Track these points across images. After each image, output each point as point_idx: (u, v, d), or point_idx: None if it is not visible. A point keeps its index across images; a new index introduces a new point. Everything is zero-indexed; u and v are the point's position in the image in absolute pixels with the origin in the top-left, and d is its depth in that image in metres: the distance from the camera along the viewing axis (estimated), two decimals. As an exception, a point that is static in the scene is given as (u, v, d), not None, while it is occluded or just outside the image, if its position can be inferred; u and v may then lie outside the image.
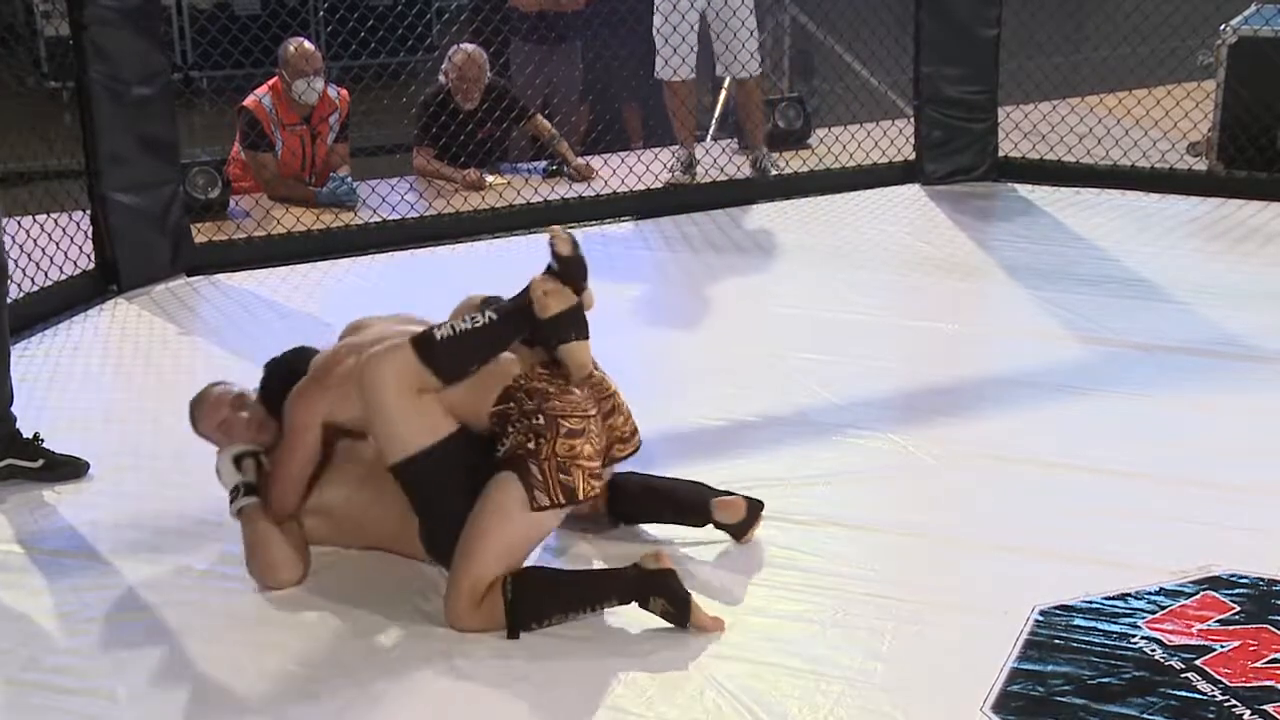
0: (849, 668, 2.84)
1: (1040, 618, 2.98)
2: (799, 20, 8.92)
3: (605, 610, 2.97)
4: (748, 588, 3.16)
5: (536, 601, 2.93)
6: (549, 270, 3.05)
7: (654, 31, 6.47)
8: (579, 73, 7.75)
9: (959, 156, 6.73)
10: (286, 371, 3.28)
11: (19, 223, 5.17)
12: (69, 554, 3.38)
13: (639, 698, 2.76)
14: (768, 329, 4.87)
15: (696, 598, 2.95)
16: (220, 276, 5.59)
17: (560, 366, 3.05)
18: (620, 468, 3.32)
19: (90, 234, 5.36)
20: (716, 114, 7.91)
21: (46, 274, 5.10)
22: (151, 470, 3.86)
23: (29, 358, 4.60)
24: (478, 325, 2.99)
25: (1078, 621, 2.97)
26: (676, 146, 6.70)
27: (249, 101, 6.32)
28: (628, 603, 2.94)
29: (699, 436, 3.99)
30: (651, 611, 2.93)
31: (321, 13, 9.59)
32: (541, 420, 2.96)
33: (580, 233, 6.14)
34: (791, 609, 3.07)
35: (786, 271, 5.60)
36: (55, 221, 5.28)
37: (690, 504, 3.33)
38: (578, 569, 3.04)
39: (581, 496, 2.98)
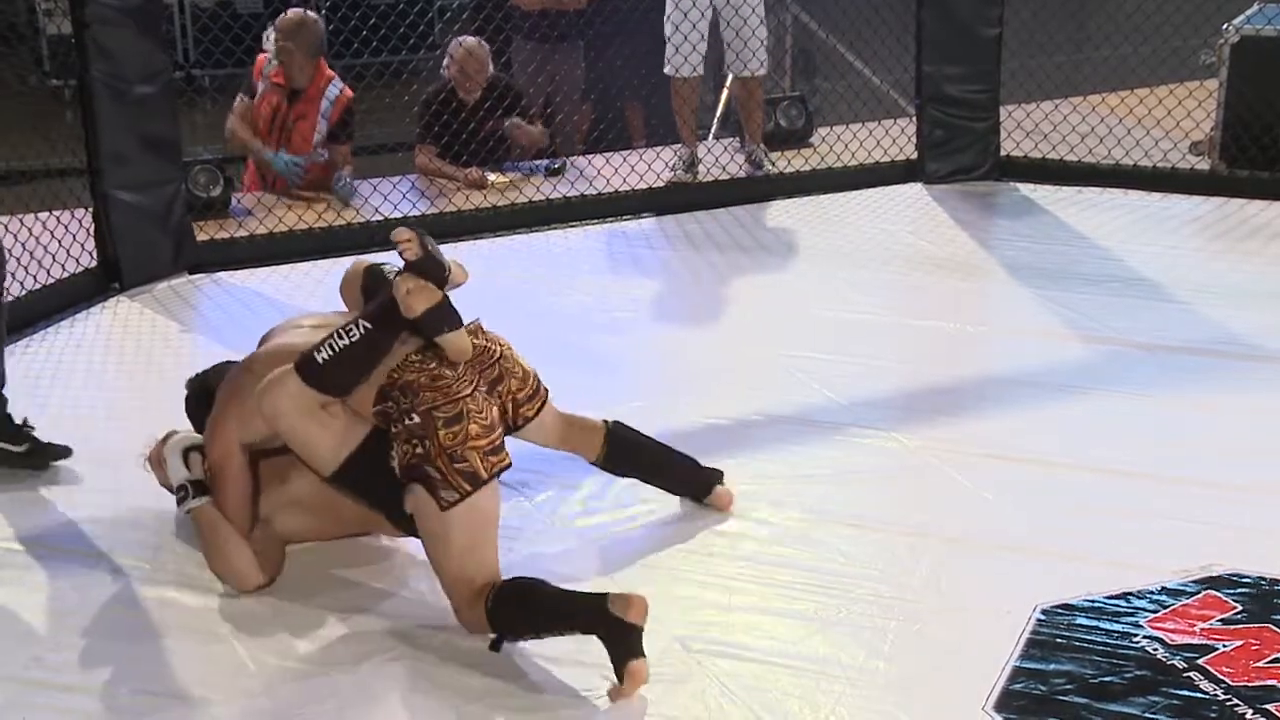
0: (851, 666, 2.84)
1: (1042, 617, 2.98)
2: (801, 19, 8.92)
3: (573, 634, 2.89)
4: (749, 585, 3.16)
5: (511, 616, 2.91)
6: (408, 267, 3.02)
7: (665, 24, 6.47)
8: (581, 71, 7.75)
9: (961, 156, 6.73)
10: (200, 392, 3.38)
11: (21, 220, 5.17)
12: (71, 551, 3.38)
13: (641, 695, 2.75)
14: (770, 328, 4.87)
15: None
16: (222, 274, 5.59)
17: (438, 350, 3.02)
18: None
19: (92, 232, 5.36)
20: (719, 113, 7.91)
21: (49, 272, 5.10)
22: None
23: (31, 355, 4.60)
24: (354, 339, 2.97)
25: (1080, 620, 2.97)
26: (679, 145, 6.70)
27: (262, 55, 6.40)
28: (589, 634, 2.85)
29: (701, 434, 3.98)
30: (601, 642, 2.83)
31: (324, 10, 9.58)
32: (417, 420, 2.94)
33: (582, 231, 6.22)
34: (793, 607, 3.07)
35: (788, 270, 5.60)
36: (58, 219, 5.27)
37: (685, 484, 3.50)
38: (557, 587, 2.97)
39: (485, 476, 2.95)
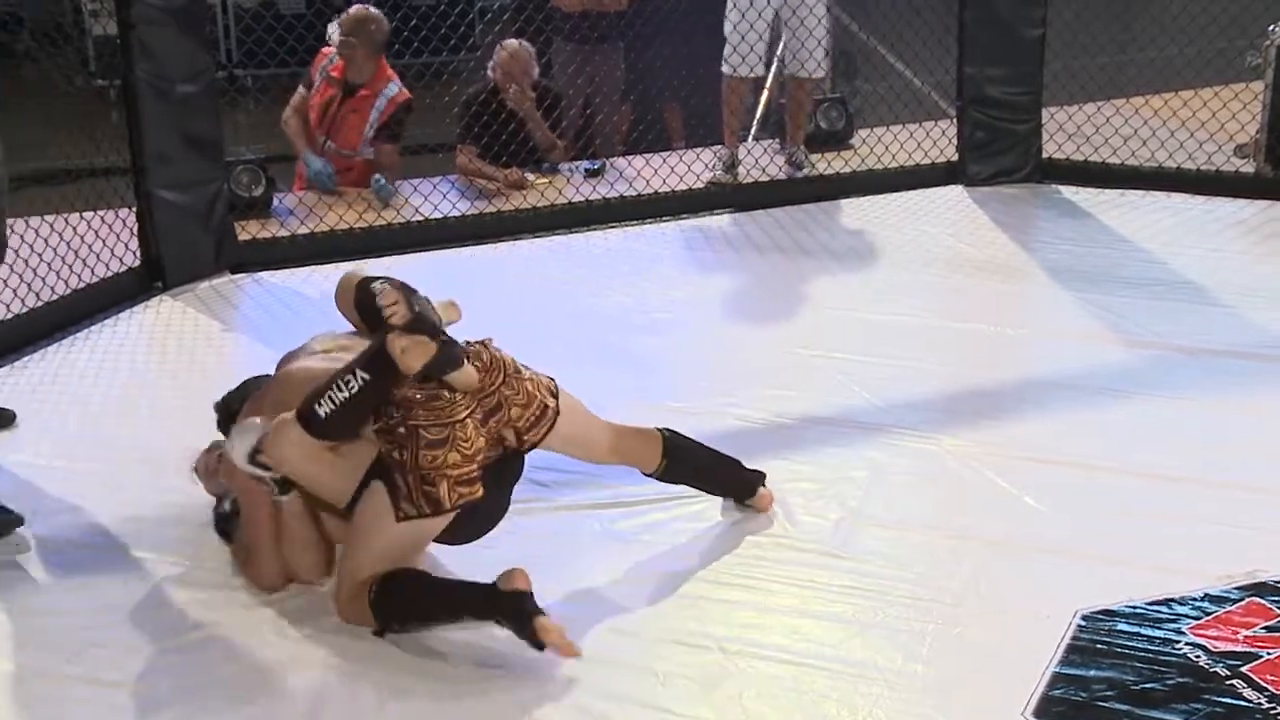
0: (889, 669, 2.83)
1: (1082, 622, 2.96)
2: (841, 20, 8.89)
3: (466, 624, 2.93)
4: (787, 587, 3.15)
5: (396, 608, 2.95)
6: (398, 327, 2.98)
7: (725, 23, 6.46)
8: (621, 73, 7.75)
9: (1002, 158, 6.69)
10: (226, 415, 3.41)
11: (66, 220, 5.22)
12: (113, 550, 3.41)
13: (678, 697, 2.76)
14: (809, 329, 4.86)
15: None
16: (264, 274, 5.62)
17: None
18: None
19: (136, 231, 5.40)
20: (759, 114, 7.89)
21: (93, 270, 5.14)
22: (162, 463, 3.86)
23: (75, 353, 4.63)
24: (354, 392, 2.95)
25: (1121, 626, 2.95)
26: (718, 146, 6.69)
27: (327, 48, 6.46)
28: (483, 620, 2.90)
29: (740, 436, 3.98)
30: (506, 629, 2.86)
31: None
32: (403, 431, 2.96)
33: (622, 232, 6.22)
34: (831, 609, 3.06)
35: (827, 272, 5.58)
36: (102, 219, 5.32)
37: (729, 486, 3.50)
38: (445, 579, 3.01)
39: (448, 506, 2.97)
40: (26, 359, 4.72)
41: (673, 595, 3.14)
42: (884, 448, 3.88)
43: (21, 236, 5.07)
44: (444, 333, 3.00)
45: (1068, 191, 6.55)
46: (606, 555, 3.31)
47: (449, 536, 3.10)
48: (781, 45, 6.69)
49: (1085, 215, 6.22)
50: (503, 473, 3.12)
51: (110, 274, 5.24)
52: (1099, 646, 2.89)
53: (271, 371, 3.44)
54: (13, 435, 4.10)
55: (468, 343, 3.05)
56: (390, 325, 2.97)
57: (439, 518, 2.99)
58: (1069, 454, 3.80)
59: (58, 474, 3.83)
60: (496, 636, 2.90)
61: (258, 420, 3.09)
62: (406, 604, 2.96)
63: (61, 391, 4.44)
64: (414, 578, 2.99)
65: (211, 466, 3.37)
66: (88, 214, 5.29)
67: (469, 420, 2.99)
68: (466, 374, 2.98)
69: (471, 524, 3.11)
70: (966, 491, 3.68)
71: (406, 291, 3.04)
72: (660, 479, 3.42)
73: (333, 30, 6.38)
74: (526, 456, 3.17)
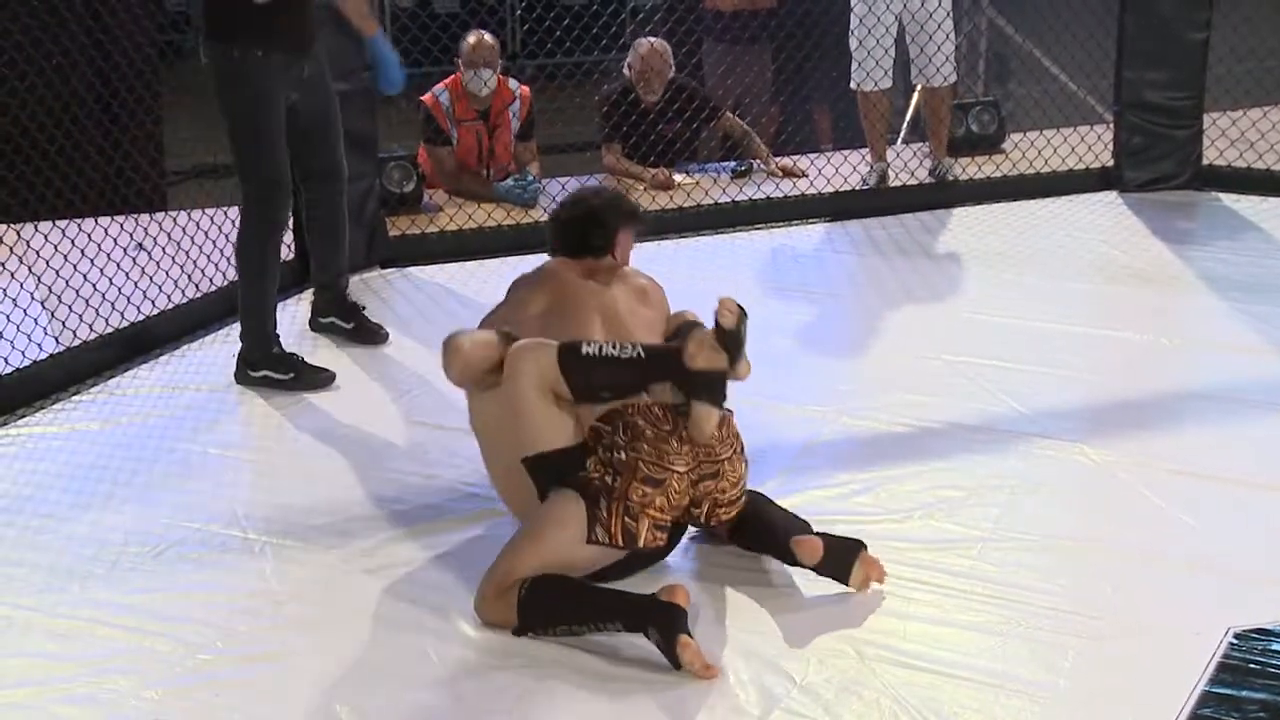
0: (1030, 682, 2.78)
1: (1235, 641, 2.88)
2: (996, 23, 8.77)
3: (613, 632, 2.91)
4: (927, 596, 3.11)
5: (546, 608, 2.94)
6: (715, 331, 3.01)
7: (850, 39, 6.41)
8: (770, 74, 7.73)
9: (1160, 164, 6.54)
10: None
11: (225, 213, 5.36)
12: (263, 538, 3.49)
13: (815, 702, 2.74)
14: (956, 335, 4.79)
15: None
16: (412, 269, 5.72)
17: (681, 417, 3.04)
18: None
19: (291, 227, 5.52)
20: (908, 118, 7.82)
21: (249, 263, 5.27)
22: (341, 457, 3.97)
23: (231, 343, 4.76)
24: (624, 356, 3.01)
25: (1276, 646, 2.86)
26: (869, 159, 6.62)
27: (426, 97, 6.47)
28: (631, 630, 2.88)
29: (882, 442, 3.95)
30: (651, 642, 2.85)
31: (519, 12, 9.73)
32: (622, 458, 2.99)
33: (768, 234, 6.20)
34: (973, 619, 3.02)
35: (976, 278, 5.50)
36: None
37: (772, 541, 3.19)
38: (598, 586, 3.01)
39: (641, 544, 3.01)
40: (185, 348, 4.87)
41: (810, 599, 3.12)
42: (1029, 457, 3.82)
43: (184, 229, 5.24)
44: (733, 369, 3.01)
45: (1228, 199, 6.38)
46: (744, 556, 3.30)
47: (600, 571, 3.11)
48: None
49: (1246, 223, 6.05)
50: (674, 534, 3.18)
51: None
52: (1252, 666, 2.80)
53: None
54: (206, 424, 4.24)
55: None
56: (716, 324, 2.98)
57: (622, 551, 3.02)
58: (1222, 469, 3.69)
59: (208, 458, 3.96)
60: (635, 642, 2.92)
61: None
62: (557, 605, 2.95)
63: (217, 380, 4.57)
64: (567, 581, 2.98)
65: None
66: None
67: (687, 474, 3.03)
68: (711, 417, 3.00)
69: (626, 567, 3.14)
70: (1113, 503, 3.60)
71: (744, 312, 3.03)
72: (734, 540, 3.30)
73: (481, 73, 6.34)
74: None
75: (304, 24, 4.42)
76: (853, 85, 6.50)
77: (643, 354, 3.03)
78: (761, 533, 3.21)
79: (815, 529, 3.16)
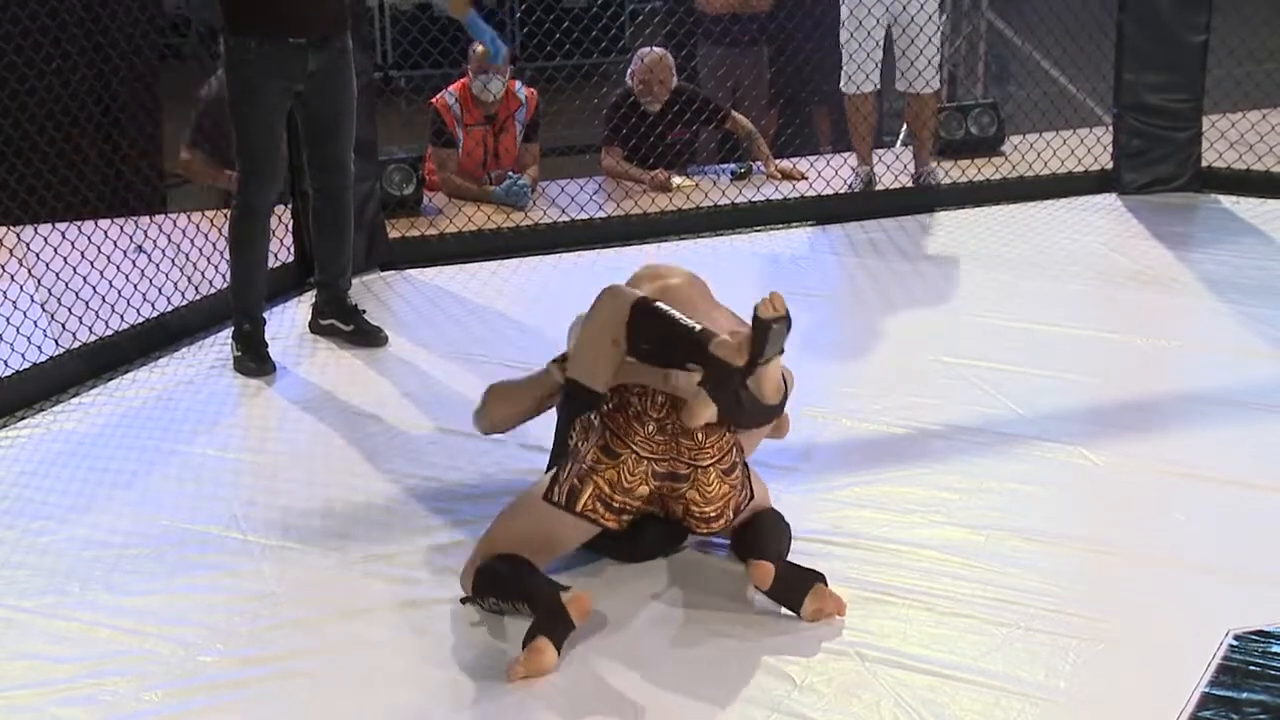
0: (1030, 684, 2.78)
1: (1235, 642, 2.88)
2: (995, 26, 8.77)
3: (526, 616, 2.92)
4: (927, 598, 3.11)
5: (487, 579, 3.03)
6: (754, 322, 2.94)
7: (842, 38, 6.41)
8: (768, 76, 7.73)
9: (1159, 166, 6.54)
10: None
11: (225, 215, 5.35)
12: (258, 539, 3.48)
13: (815, 703, 2.74)
14: (955, 338, 4.79)
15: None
16: (412, 271, 5.72)
17: (678, 408, 3.03)
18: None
19: (291, 228, 5.53)
20: (906, 124, 7.82)
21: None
22: (341, 459, 3.96)
23: (232, 344, 4.75)
24: (681, 326, 3.03)
25: (1275, 648, 2.86)
26: (854, 164, 6.62)
27: (436, 99, 6.49)
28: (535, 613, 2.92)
29: (883, 444, 3.95)
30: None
31: (518, 14, 9.74)
32: (597, 423, 3.05)
33: (767, 236, 6.20)
34: (972, 621, 3.02)
35: (975, 280, 5.50)
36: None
37: (743, 557, 3.15)
38: (535, 572, 3.01)
39: (580, 509, 3.03)
40: (184, 350, 4.86)
41: (810, 601, 3.12)
42: (1029, 459, 3.82)
43: (183, 231, 5.24)
44: (753, 368, 2.94)
45: (1227, 201, 6.38)
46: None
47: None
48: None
49: (1245, 226, 6.05)
50: (667, 533, 3.21)
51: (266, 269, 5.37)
52: (1252, 668, 2.81)
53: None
54: (198, 424, 4.24)
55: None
56: (754, 315, 2.92)
57: (569, 518, 3.05)
58: (1221, 471, 3.69)
59: (206, 467, 3.96)
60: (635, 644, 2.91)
61: None
62: (493, 578, 3.02)
63: (220, 375, 4.57)
64: (514, 560, 3.03)
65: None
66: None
67: (647, 460, 3.04)
68: (707, 408, 2.97)
69: (619, 550, 3.20)
70: (1113, 506, 3.60)
71: (787, 315, 2.94)
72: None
73: (490, 81, 6.34)
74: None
75: (310, 16, 4.42)
76: (842, 88, 6.51)
77: (694, 330, 3.02)
78: (740, 546, 3.21)
79: (787, 555, 3.13)
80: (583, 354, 3.18)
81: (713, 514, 3.14)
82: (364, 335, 4.85)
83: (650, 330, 3.06)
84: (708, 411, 2.99)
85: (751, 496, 3.21)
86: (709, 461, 3.09)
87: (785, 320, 2.92)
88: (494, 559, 3.05)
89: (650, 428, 3.04)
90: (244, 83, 4.36)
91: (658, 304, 3.09)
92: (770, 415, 3.16)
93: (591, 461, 3.03)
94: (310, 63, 4.43)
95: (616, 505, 3.06)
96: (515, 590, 2.98)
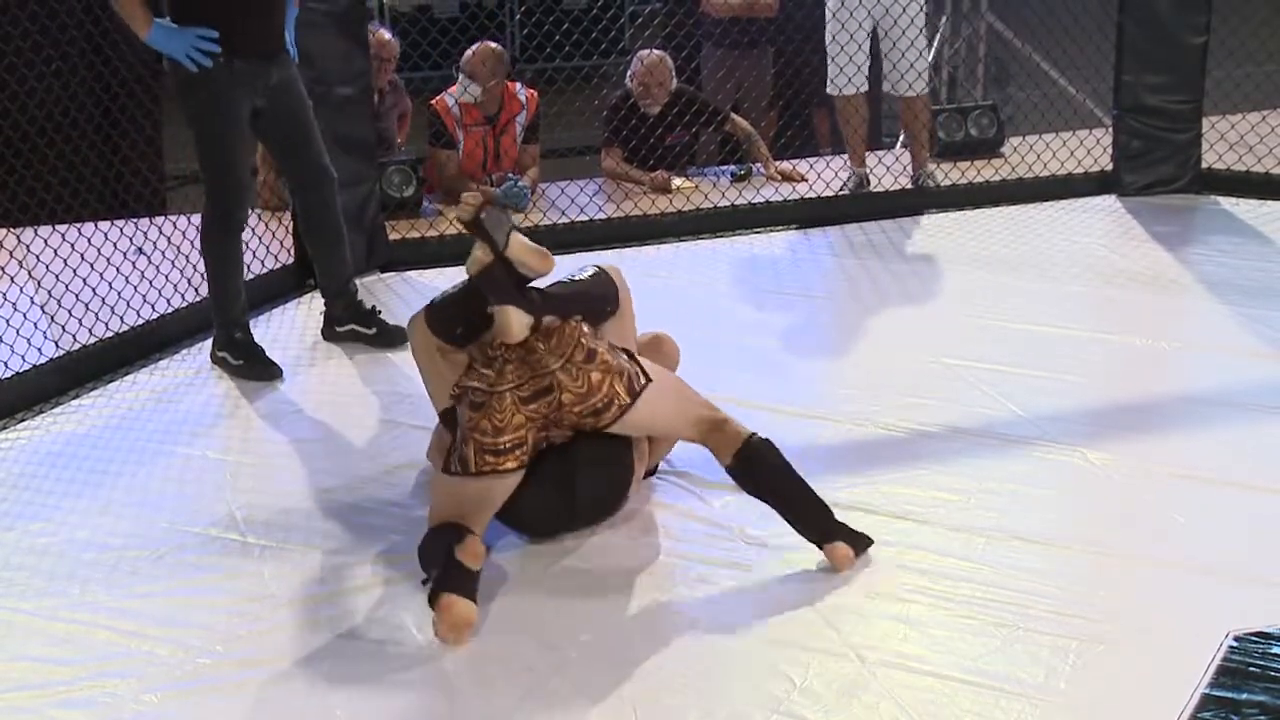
0: (1031, 685, 2.78)
1: (1235, 644, 2.88)
2: (995, 27, 8.78)
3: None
4: (927, 599, 3.11)
5: (421, 557, 3.12)
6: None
7: (827, 41, 6.42)
8: (769, 78, 7.73)
9: (1159, 167, 6.54)
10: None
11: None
12: (258, 541, 3.49)
13: (814, 705, 2.74)
14: (955, 339, 4.79)
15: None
16: (412, 273, 5.72)
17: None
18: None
19: (291, 230, 5.53)
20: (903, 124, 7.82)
21: (250, 268, 5.26)
22: (341, 461, 3.97)
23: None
24: (455, 295, 3.27)
25: (1275, 650, 2.86)
26: (850, 165, 6.62)
27: (436, 100, 6.49)
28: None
29: (882, 445, 3.94)
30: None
31: (517, 16, 9.75)
32: (459, 389, 3.17)
33: (766, 238, 6.20)
34: (972, 623, 3.02)
35: (973, 281, 5.50)
36: (259, 218, 5.46)
37: (807, 530, 3.26)
38: (448, 539, 3.05)
39: (473, 469, 3.10)
40: (184, 352, 4.87)
41: (811, 603, 3.12)
42: (1028, 461, 3.82)
43: (183, 233, 5.24)
44: (502, 253, 3.14)
45: (1227, 203, 6.38)
46: (746, 558, 3.30)
47: (519, 523, 3.30)
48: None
49: (1245, 227, 6.05)
50: (571, 463, 3.24)
51: (266, 270, 5.38)
52: (1252, 669, 2.80)
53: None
54: (183, 425, 4.24)
55: (557, 318, 3.14)
56: (464, 223, 3.19)
57: (472, 480, 3.11)
58: (1221, 472, 3.69)
59: (206, 463, 3.96)
60: (634, 646, 2.91)
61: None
62: (422, 551, 3.12)
63: (219, 380, 4.57)
64: (440, 529, 3.10)
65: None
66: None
67: (509, 394, 3.09)
68: (505, 315, 3.08)
69: (541, 512, 3.27)
70: (1112, 507, 3.60)
71: (490, 197, 3.24)
72: (735, 479, 3.33)
73: (470, 85, 6.36)
74: (637, 463, 3.33)
75: (269, 30, 4.42)
76: (829, 90, 6.51)
77: (463, 283, 3.20)
78: (746, 483, 3.30)
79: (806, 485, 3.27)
80: (438, 386, 3.32)
81: (600, 404, 3.15)
82: (387, 336, 4.78)
83: (449, 319, 3.24)
84: (512, 318, 3.08)
85: (644, 375, 3.22)
86: (559, 362, 3.12)
87: (483, 204, 3.15)
88: (426, 536, 3.14)
89: (496, 366, 3.11)
90: (213, 98, 4.31)
91: (432, 302, 3.32)
92: (547, 267, 3.24)
93: (467, 424, 3.12)
94: (271, 76, 4.43)
95: (504, 446, 3.10)
96: (432, 561, 3.06)
